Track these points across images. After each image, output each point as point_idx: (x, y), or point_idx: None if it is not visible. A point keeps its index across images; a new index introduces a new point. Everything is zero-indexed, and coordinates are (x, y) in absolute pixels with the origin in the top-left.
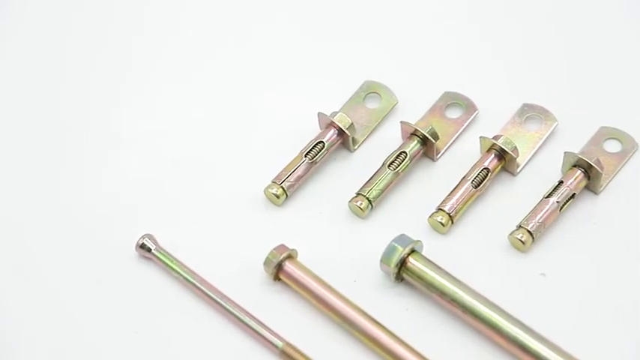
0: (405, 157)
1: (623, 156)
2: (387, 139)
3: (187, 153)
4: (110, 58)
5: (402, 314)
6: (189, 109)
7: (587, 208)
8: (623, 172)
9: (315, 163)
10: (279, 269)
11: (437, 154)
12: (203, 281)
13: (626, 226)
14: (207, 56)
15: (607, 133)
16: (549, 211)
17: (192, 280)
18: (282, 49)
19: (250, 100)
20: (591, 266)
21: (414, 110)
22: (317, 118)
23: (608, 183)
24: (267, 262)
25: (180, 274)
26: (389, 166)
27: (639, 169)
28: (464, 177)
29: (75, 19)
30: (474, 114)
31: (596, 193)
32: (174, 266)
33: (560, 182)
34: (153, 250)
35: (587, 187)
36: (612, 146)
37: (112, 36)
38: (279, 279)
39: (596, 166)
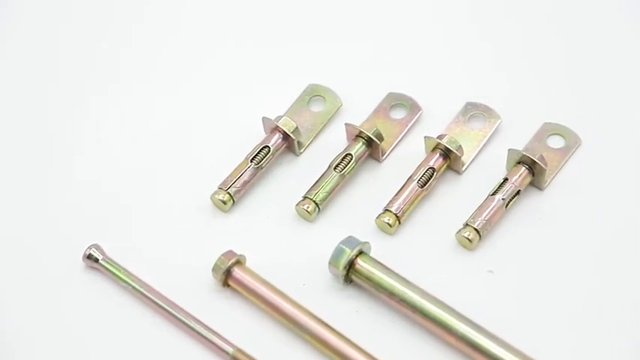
0: (351, 159)
1: (567, 151)
2: (333, 142)
3: (132, 162)
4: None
5: (352, 316)
6: (132, 119)
7: (533, 204)
8: (566, 168)
9: (261, 168)
10: (227, 275)
11: (382, 155)
12: (151, 290)
13: (570, 221)
14: (150, 64)
15: (550, 129)
16: (495, 208)
17: (140, 289)
18: (224, 54)
19: (194, 106)
20: (538, 261)
21: (358, 112)
22: (262, 123)
23: (552, 179)
24: (215, 269)
25: (129, 284)
26: (335, 168)
27: (582, 164)
28: (410, 177)
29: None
30: (418, 114)
31: (540, 189)
32: (122, 276)
33: (505, 179)
34: (100, 261)
35: (532, 184)
36: (556, 142)
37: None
38: (228, 285)
39: (540, 162)
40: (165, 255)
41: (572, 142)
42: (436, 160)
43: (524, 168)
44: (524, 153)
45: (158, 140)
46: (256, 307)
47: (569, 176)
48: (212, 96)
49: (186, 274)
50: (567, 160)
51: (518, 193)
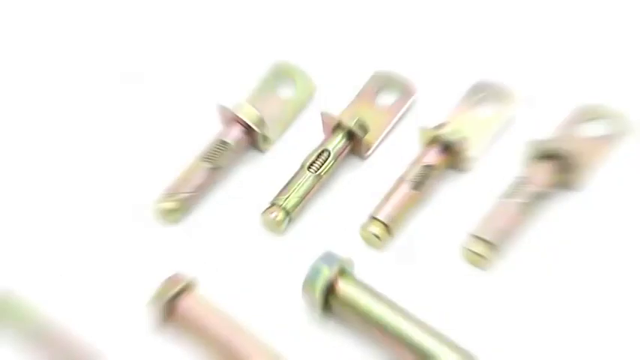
0: (328, 157)
1: (611, 139)
2: (306, 135)
3: (60, 163)
4: None
5: (333, 356)
6: (66, 113)
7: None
8: (616, 161)
9: (218, 169)
10: (172, 307)
11: (367, 151)
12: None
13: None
14: (81, 49)
15: (587, 113)
16: (512, 214)
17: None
18: (168, 30)
19: (134, 95)
20: (560, 281)
21: (337, 97)
22: (217, 113)
23: (593, 176)
24: (156, 298)
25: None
26: (309, 168)
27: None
28: (401, 177)
29: None
30: (412, 98)
31: (575, 189)
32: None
33: (523, 178)
34: None
35: (562, 185)
36: (595, 129)
37: None
38: (174, 319)
39: (571, 158)
40: (93, 283)
41: (620, 128)
42: (434, 156)
43: (550, 164)
44: (547, 144)
45: (89, 137)
46: (210, 348)
47: (618, 172)
48: (155, 82)
49: (121, 308)
50: (613, 151)
51: (541, 196)
